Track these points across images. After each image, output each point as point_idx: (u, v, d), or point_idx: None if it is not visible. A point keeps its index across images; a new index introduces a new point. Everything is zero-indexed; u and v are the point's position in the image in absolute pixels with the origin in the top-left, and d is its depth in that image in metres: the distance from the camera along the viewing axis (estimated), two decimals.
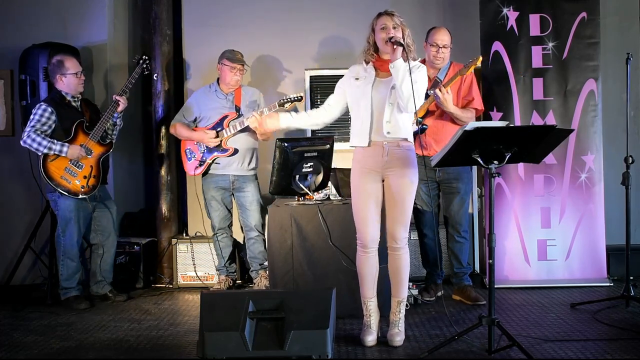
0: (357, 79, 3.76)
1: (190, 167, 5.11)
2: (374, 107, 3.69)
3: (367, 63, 3.76)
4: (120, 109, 4.75)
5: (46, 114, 4.60)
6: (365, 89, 3.71)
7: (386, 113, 3.67)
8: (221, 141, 4.95)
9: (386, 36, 3.63)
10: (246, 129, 4.92)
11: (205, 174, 5.07)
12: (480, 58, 4.46)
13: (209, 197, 5.07)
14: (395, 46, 3.57)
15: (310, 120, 4.01)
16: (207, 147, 5.00)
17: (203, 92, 5.13)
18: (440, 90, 4.40)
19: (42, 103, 4.66)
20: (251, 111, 4.94)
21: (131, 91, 4.92)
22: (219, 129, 4.96)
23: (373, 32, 3.71)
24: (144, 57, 5.00)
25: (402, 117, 3.69)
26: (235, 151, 4.96)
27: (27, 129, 4.58)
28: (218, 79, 5.07)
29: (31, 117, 4.62)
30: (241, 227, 5.16)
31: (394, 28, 3.64)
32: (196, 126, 5.08)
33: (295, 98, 4.81)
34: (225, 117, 4.97)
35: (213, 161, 5.00)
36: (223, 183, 5.03)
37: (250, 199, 5.02)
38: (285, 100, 4.80)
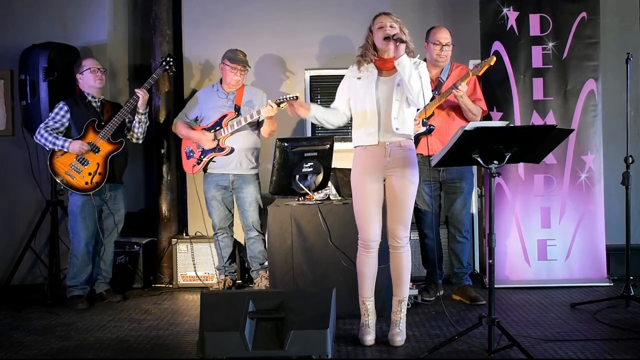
0: (359, 78, 3.77)
1: (189, 165, 5.12)
2: (380, 106, 3.70)
3: (367, 63, 3.77)
4: (140, 102, 4.81)
5: (61, 112, 4.76)
6: (368, 88, 3.72)
7: (394, 109, 3.68)
8: (219, 140, 4.96)
9: (383, 34, 3.66)
10: (245, 128, 4.93)
11: (205, 173, 5.07)
12: (494, 58, 4.41)
13: (210, 197, 5.07)
14: (397, 43, 3.59)
15: (336, 118, 3.86)
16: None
17: (206, 92, 5.15)
18: (461, 85, 4.41)
19: (61, 101, 4.80)
20: (250, 110, 4.94)
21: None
22: (217, 128, 4.96)
23: (371, 33, 3.74)
24: (168, 57, 5.07)
25: (410, 113, 3.72)
26: (232, 150, 4.95)
27: (41, 125, 4.76)
28: (221, 79, 5.08)
29: (49, 114, 4.80)
30: (242, 227, 5.17)
31: (391, 26, 3.66)
32: (198, 125, 5.08)
33: (292, 97, 4.79)
34: (225, 116, 4.97)
35: (210, 160, 5.01)
36: (223, 182, 5.03)
37: (249, 199, 5.01)
38: (282, 100, 4.78)
